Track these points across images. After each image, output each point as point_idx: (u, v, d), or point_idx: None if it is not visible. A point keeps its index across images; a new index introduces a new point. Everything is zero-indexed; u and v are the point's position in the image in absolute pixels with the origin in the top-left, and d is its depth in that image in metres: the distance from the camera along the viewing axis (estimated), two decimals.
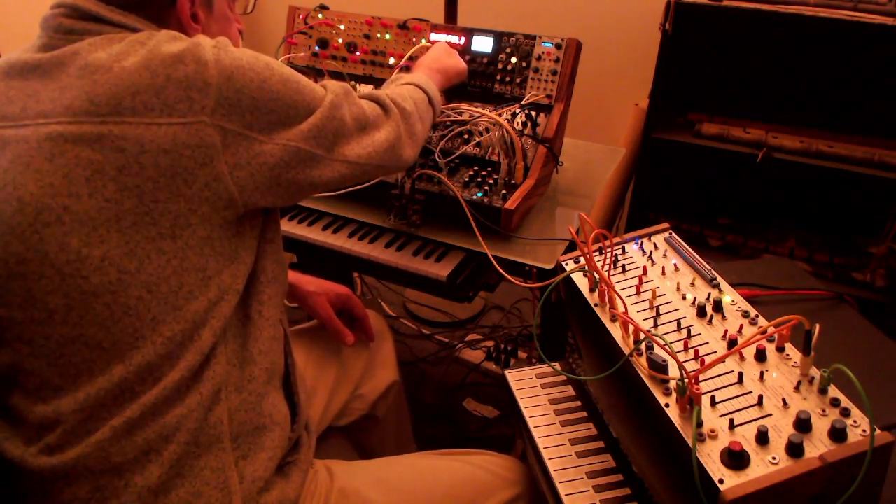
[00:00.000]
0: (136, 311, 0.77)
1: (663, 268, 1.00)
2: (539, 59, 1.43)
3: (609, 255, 0.99)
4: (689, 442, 0.73)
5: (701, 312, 0.91)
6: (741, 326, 0.88)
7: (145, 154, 0.75)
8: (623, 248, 1.06)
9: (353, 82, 1.55)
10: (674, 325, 0.90)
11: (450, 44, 1.49)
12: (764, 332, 0.83)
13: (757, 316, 0.90)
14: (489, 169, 1.37)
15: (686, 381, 0.76)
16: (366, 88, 1.55)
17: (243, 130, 0.81)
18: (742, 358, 0.84)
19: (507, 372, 1.17)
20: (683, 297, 0.94)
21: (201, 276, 0.81)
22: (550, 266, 1.20)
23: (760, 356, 0.83)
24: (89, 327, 0.76)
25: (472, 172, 1.36)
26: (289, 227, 1.42)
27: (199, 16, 0.92)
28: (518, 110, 1.40)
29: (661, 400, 0.80)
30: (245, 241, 0.86)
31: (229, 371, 0.86)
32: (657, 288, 0.96)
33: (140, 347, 0.78)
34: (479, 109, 1.38)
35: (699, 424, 0.75)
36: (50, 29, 0.82)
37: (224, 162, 0.79)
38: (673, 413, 0.78)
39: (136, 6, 0.84)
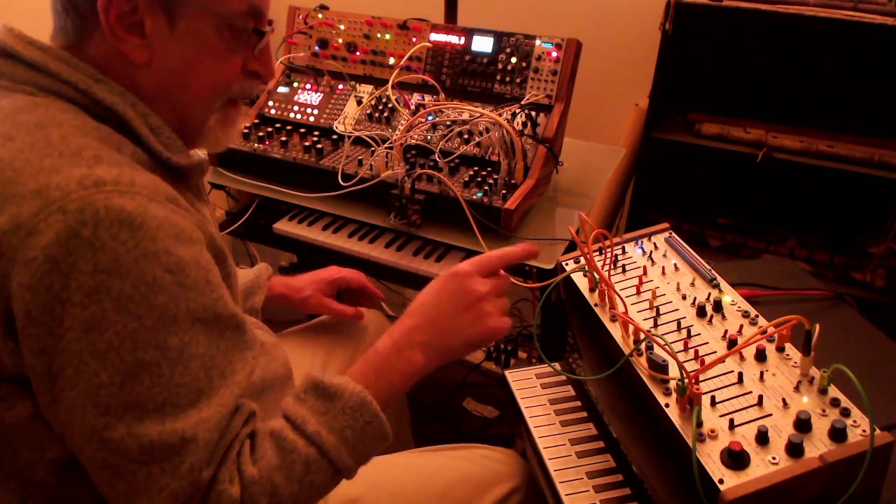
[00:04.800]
0: None
1: (663, 268, 1.00)
2: (539, 59, 1.43)
3: (609, 255, 0.99)
4: (689, 442, 0.73)
5: (701, 312, 0.91)
6: (741, 326, 0.88)
7: None
8: (623, 248, 1.06)
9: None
10: (674, 325, 0.90)
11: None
12: (764, 332, 0.83)
13: (757, 316, 0.89)
14: (489, 169, 1.37)
15: (686, 381, 0.76)
16: (366, 88, 1.56)
17: (32, 340, 0.62)
18: (742, 358, 0.84)
19: (507, 372, 1.17)
20: (683, 297, 0.94)
21: None
22: (550, 266, 1.20)
23: (760, 356, 0.83)
24: None
25: (472, 172, 1.36)
26: (289, 227, 1.42)
27: (144, 26, 0.71)
28: (518, 110, 1.40)
29: (661, 400, 0.80)
30: None
31: None
32: (657, 288, 0.96)
33: None
34: (479, 109, 1.38)
35: (699, 424, 0.75)
36: None
37: (5, 352, 0.63)
38: (673, 413, 0.78)
39: (62, 13, 0.72)
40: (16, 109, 0.66)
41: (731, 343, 0.85)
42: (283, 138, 1.50)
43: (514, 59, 1.44)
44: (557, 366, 1.17)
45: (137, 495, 0.64)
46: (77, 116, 0.68)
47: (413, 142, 1.41)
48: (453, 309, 0.86)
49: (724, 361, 0.82)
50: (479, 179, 1.34)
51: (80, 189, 0.60)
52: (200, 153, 0.86)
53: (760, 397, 0.77)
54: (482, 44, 1.48)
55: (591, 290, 0.99)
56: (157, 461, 0.63)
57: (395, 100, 1.49)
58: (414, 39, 1.53)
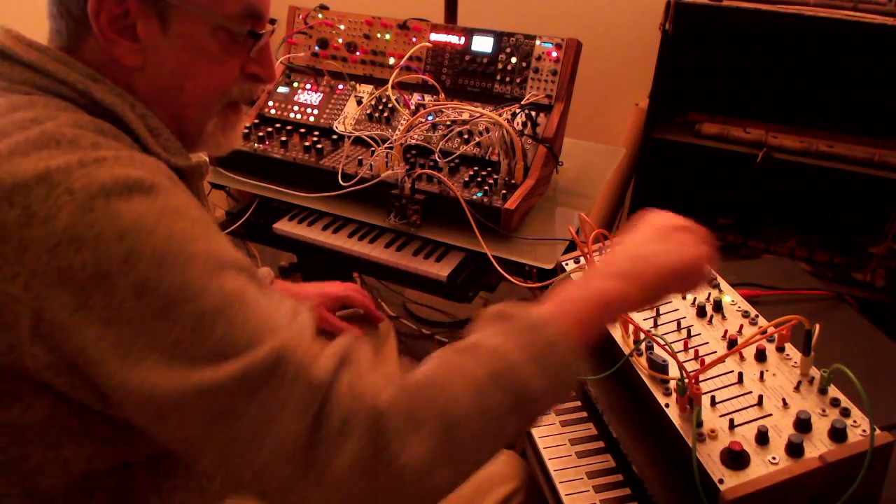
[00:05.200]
0: None
1: None
2: (539, 59, 1.43)
3: None
4: (689, 442, 0.73)
5: (701, 312, 0.91)
6: (741, 326, 0.88)
7: None
8: None
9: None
10: (674, 325, 0.90)
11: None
12: (764, 332, 0.83)
13: (757, 316, 0.90)
14: (489, 169, 1.37)
15: (686, 381, 0.76)
16: (366, 88, 1.56)
17: (67, 325, 0.58)
18: (742, 358, 0.84)
19: None
20: (683, 297, 0.94)
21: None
22: (550, 266, 1.20)
23: (760, 356, 0.83)
24: None
25: (472, 172, 1.36)
26: (289, 227, 1.42)
27: (137, 29, 0.70)
28: (518, 110, 1.40)
29: (661, 400, 0.80)
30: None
31: None
32: None
33: None
34: (479, 109, 1.38)
35: (699, 424, 0.75)
36: None
37: (31, 356, 0.59)
38: (673, 413, 0.78)
39: (57, 16, 0.71)
40: (11, 107, 0.65)
41: (731, 343, 0.85)
42: (283, 138, 1.50)
43: (514, 59, 1.44)
44: None
45: (262, 436, 0.57)
46: (74, 113, 0.67)
47: (413, 142, 1.41)
48: (656, 234, 0.76)
49: (724, 361, 0.82)
50: (479, 179, 1.34)
51: (80, 167, 0.59)
52: (201, 155, 0.85)
53: (760, 397, 0.77)
54: (482, 44, 1.48)
55: None
56: (260, 387, 0.57)
57: (395, 100, 1.49)
58: (414, 39, 1.53)
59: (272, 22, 0.79)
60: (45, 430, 0.64)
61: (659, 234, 0.76)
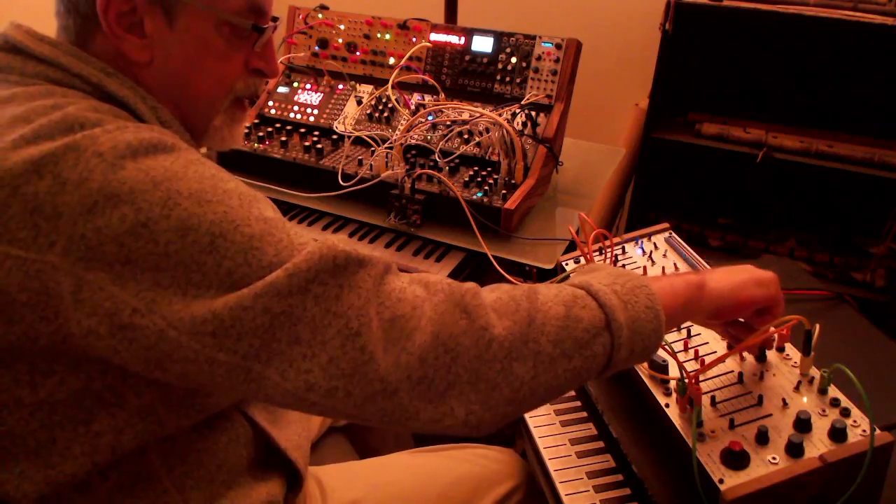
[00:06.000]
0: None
1: (663, 268, 1.00)
2: (539, 59, 1.43)
3: (609, 255, 0.99)
4: (689, 442, 0.73)
5: None
6: None
7: None
8: (623, 248, 1.06)
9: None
10: None
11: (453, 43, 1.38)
12: (764, 332, 0.83)
13: None
14: (489, 169, 1.37)
15: (686, 381, 0.76)
16: (366, 88, 1.56)
17: (109, 286, 0.58)
18: (742, 358, 0.84)
19: None
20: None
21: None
22: (550, 266, 1.20)
23: (760, 356, 0.83)
24: None
25: (472, 172, 1.36)
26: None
27: (144, 25, 0.71)
28: (518, 110, 1.40)
29: (661, 400, 0.80)
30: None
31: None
32: None
33: None
34: (479, 109, 1.38)
35: (699, 424, 0.75)
36: None
37: (76, 322, 0.59)
38: (673, 413, 0.78)
39: (64, 14, 0.72)
40: (30, 96, 0.66)
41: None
42: (283, 138, 1.50)
43: (514, 59, 1.44)
44: None
45: (326, 324, 0.59)
46: (91, 100, 0.68)
47: (413, 142, 1.42)
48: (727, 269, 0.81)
49: (724, 361, 0.82)
50: (479, 179, 1.34)
51: (104, 133, 0.61)
52: (204, 150, 0.86)
53: (760, 397, 0.77)
54: (482, 44, 1.48)
55: None
56: (326, 272, 0.60)
57: (395, 100, 1.49)
58: (414, 39, 1.53)
59: (274, 20, 0.80)
60: (79, 405, 0.65)
61: (743, 275, 0.79)
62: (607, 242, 0.98)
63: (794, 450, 0.70)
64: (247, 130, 1.53)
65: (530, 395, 0.64)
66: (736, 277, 0.77)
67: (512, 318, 0.64)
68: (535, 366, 0.63)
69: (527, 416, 1.07)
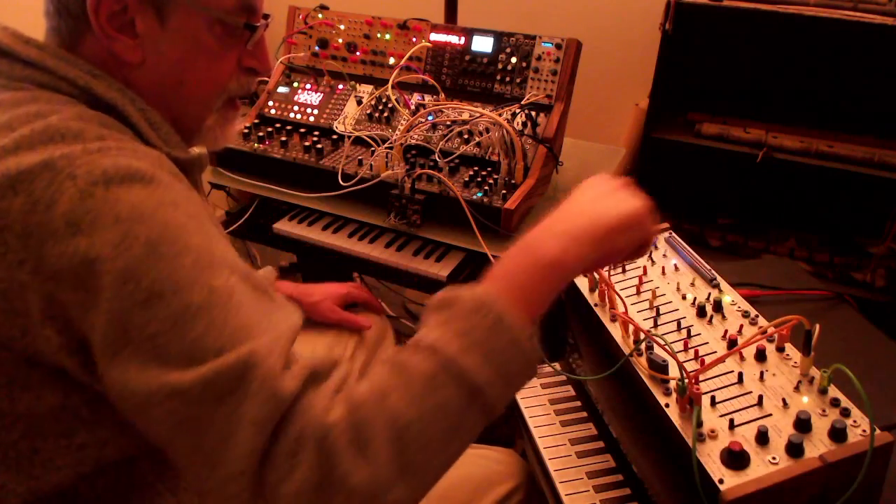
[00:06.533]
0: None
1: (663, 268, 1.00)
2: (539, 59, 1.43)
3: None
4: (689, 442, 0.73)
5: (701, 312, 0.91)
6: (741, 326, 0.88)
7: None
8: None
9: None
10: (674, 325, 0.90)
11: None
12: (764, 332, 0.83)
13: (757, 316, 0.90)
14: (489, 169, 1.37)
15: (686, 381, 0.76)
16: (366, 88, 1.56)
17: (74, 308, 0.58)
18: (742, 358, 0.84)
19: None
20: (683, 297, 0.94)
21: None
22: None
23: (760, 356, 0.83)
24: None
25: (472, 172, 1.36)
26: (289, 227, 1.42)
27: (136, 25, 0.70)
28: (518, 110, 1.40)
29: (661, 400, 0.80)
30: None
31: None
32: (657, 288, 0.96)
33: None
34: (479, 109, 1.38)
35: (699, 424, 0.75)
36: None
37: (44, 339, 0.59)
38: (673, 413, 0.78)
39: (54, 14, 0.71)
40: (15, 102, 0.66)
41: (731, 343, 0.85)
42: (283, 138, 1.50)
43: (514, 59, 1.44)
44: (557, 366, 1.17)
45: (223, 449, 0.55)
46: (76, 107, 0.68)
47: (413, 142, 1.41)
48: (592, 195, 0.74)
49: (724, 361, 0.82)
50: (479, 179, 1.34)
51: (84, 155, 0.60)
52: (198, 148, 0.86)
53: (760, 397, 0.77)
54: (482, 44, 1.48)
55: (591, 289, 0.99)
56: (225, 393, 0.56)
57: (395, 100, 1.49)
58: (414, 39, 1.53)
59: (266, 17, 0.80)
60: (58, 420, 0.64)
61: (597, 194, 0.75)
62: None
63: (794, 450, 0.70)
64: (247, 130, 1.53)
65: (426, 487, 0.60)
66: (597, 233, 0.69)
67: (377, 446, 0.57)
68: (414, 481, 0.59)
69: (527, 416, 1.07)
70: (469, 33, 1.49)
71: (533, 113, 1.40)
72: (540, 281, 0.68)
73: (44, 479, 0.66)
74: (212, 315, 0.58)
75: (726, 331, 0.88)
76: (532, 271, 0.68)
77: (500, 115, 1.35)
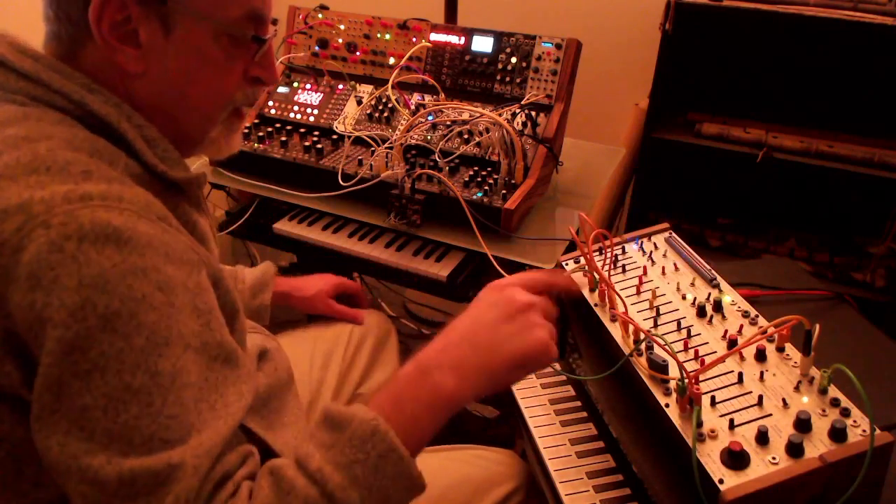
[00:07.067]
0: None
1: (663, 268, 1.00)
2: (539, 59, 1.43)
3: (609, 255, 0.99)
4: (689, 442, 0.73)
5: (701, 312, 0.91)
6: (741, 326, 0.88)
7: None
8: (623, 248, 1.06)
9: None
10: (674, 325, 0.90)
11: (450, 42, 1.40)
12: (764, 332, 0.83)
13: (757, 316, 0.89)
14: (489, 169, 1.37)
15: (686, 381, 0.76)
16: (366, 88, 1.56)
17: (35, 352, 0.59)
18: (742, 358, 0.83)
19: None
20: (683, 297, 0.94)
21: None
22: (550, 266, 1.20)
23: (760, 356, 0.83)
24: None
25: (472, 172, 1.36)
26: (289, 227, 1.42)
27: (139, 35, 0.68)
28: (518, 110, 1.40)
29: (661, 400, 0.80)
30: None
31: None
32: (657, 288, 0.96)
33: None
34: (479, 109, 1.38)
35: (699, 424, 0.75)
36: None
37: (3, 373, 0.60)
38: (673, 413, 0.78)
39: (54, 20, 0.69)
40: (4, 121, 0.64)
41: (731, 343, 0.85)
42: (283, 138, 1.50)
43: (514, 59, 1.44)
44: (557, 366, 1.17)
45: None
46: (69, 129, 0.66)
47: (413, 142, 1.41)
48: (492, 319, 0.74)
49: (724, 361, 0.82)
50: (479, 179, 1.34)
51: (64, 203, 0.58)
52: (197, 165, 0.84)
53: (760, 397, 0.77)
54: (482, 44, 1.48)
55: (591, 290, 0.99)
56: (140, 494, 0.57)
57: (395, 100, 1.49)
58: (414, 39, 1.53)
59: (273, 23, 0.78)
60: (29, 450, 0.63)
61: (506, 312, 0.75)
62: (607, 242, 0.98)
63: (795, 450, 0.70)
64: (247, 130, 1.53)
65: None
66: (495, 368, 0.72)
67: None
68: None
69: (527, 416, 1.07)
70: (469, 33, 1.49)
71: (533, 113, 1.40)
72: (432, 414, 0.70)
73: (33, 495, 0.66)
74: (150, 400, 0.59)
75: (726, 331, 0.88)
76: (426, 402, 0.70)
77: (500, 115, 1.35)
